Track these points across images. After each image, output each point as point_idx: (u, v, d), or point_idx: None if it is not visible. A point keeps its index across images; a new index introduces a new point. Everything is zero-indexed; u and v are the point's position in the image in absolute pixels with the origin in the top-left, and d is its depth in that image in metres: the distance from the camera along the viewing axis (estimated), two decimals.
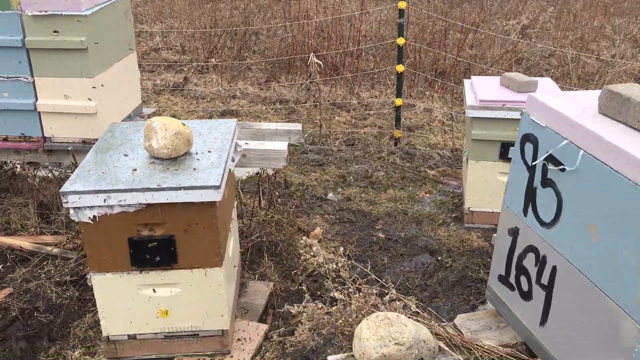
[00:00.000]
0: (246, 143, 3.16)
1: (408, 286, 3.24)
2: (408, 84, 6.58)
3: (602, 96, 1.77)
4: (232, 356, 2.54)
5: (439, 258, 3.51)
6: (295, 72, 6.85)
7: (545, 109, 1.86)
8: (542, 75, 6.44)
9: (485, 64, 6.75)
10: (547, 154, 1.83)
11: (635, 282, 1.51)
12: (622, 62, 6.47)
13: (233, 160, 2.59)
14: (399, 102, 5.15)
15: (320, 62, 5.71)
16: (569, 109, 1.81)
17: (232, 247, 2.74)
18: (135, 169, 2.27)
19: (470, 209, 3.83)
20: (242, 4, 8.82)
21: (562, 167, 1.77)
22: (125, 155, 2.40)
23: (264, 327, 2.73)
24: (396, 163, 4.84)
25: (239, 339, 2.65)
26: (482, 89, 3.71)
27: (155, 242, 2.26)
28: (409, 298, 2.17)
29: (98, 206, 2.17)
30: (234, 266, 2.82)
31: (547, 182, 1.84)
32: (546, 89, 3.75)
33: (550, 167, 1.82)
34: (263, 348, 2.62)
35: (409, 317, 2.00)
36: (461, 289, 3.21)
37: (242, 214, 3.45)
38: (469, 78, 4.11)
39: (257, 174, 3.77)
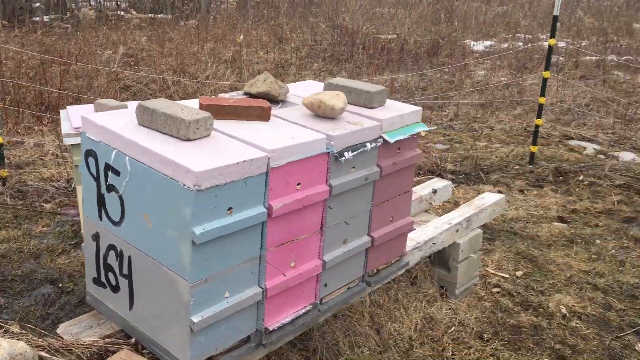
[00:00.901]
0: None
1: (29, 320, 3.22)
2: (14, 120, 6.30)
3: (137, 111, 2.18)
4: None
5: (60, 285, 3.57)
6: None
7: (96, 127, 2.17)
8: (148, 99, 6.95)
9: (93, 94, 6.92)
10: (105, 164, 2.15)
11: (179, 251, 1.94)
12: (214, 82, 7.46)
13: None
14: None
15: None
16: (115, 124, 2.16)
17: None
18: None
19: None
20: None
21: (117, 173, 2.11)
22: None
23: None
24: (6, 203, 4.63)
25: None
26: (76, 117, 3.88)
27: None
28: (10, 322, 2.23)
29: None
30: None
31: (110, 188, 2.16)
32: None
33: (110, 174, 2.14)
34: None
35: (9, 338, 2.07)
36: (83, 308, 3.35)
37: None
38: None
39: None
